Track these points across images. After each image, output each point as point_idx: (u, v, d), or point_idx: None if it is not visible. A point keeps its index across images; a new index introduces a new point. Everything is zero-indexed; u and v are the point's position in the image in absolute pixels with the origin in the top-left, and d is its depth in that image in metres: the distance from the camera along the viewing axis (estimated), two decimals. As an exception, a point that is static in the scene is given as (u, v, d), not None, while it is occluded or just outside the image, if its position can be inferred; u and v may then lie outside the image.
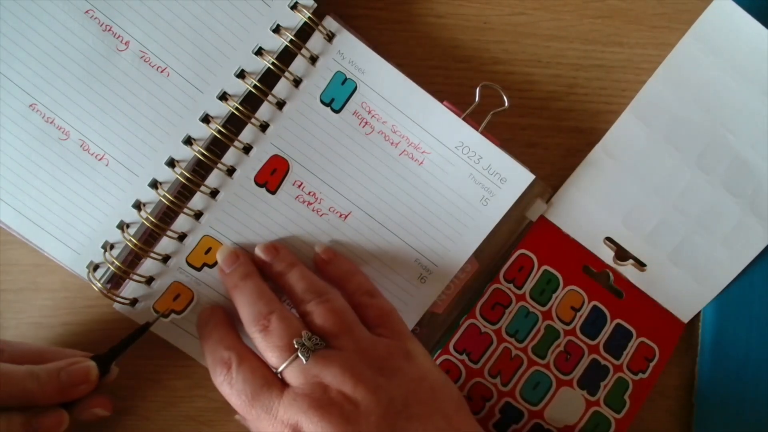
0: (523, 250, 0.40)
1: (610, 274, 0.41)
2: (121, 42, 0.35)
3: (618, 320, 0.41)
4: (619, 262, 0.41)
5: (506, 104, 0.37)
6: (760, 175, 0.40)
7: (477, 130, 0.37)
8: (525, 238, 0.40)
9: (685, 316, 0.41)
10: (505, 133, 0.39)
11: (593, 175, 0.40)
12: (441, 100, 0.37)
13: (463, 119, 0.37)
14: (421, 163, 0.37)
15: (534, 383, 0.40)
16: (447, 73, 0.39)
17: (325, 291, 0.34)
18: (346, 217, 0.38)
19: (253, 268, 0.35)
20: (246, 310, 0.33)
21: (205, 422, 0.40)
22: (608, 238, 0.40)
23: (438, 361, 0.40)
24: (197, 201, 0.36)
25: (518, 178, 0.37)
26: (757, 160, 0.40)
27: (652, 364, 0.41)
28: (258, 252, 0.36)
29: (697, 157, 0.40)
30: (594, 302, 0.41)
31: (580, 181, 0.40)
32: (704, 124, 0.40)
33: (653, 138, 0.40)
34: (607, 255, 0.41)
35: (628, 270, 0.41)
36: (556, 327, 0.40)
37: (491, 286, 0.40)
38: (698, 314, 0.42)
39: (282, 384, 0.32)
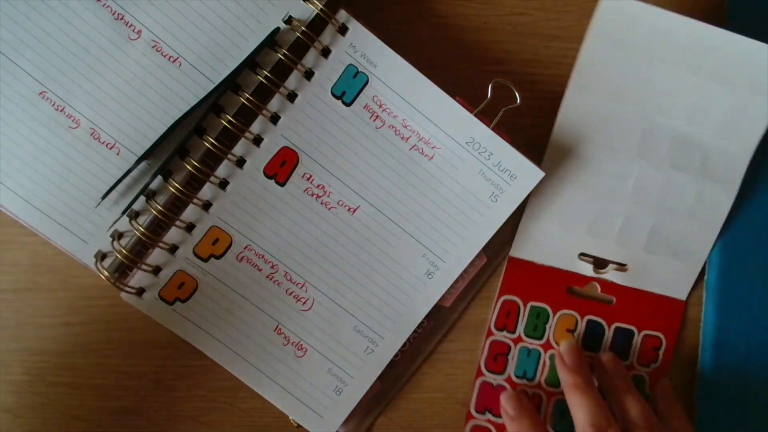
0: (505, 296, 0.40)
1: (597, 284, 0.41)
2: (133, 31, 0.35)
3: (615, 324, 0.41)
4: (600, 271, 0.41)
5: (518, 101, 0.37)
6: (702, 143, 0.39)
7: (488, 126, 0.37)
8: (503, 285, 0.40)
9: (682, 294, 0.41)
10: (505, 133, 0.39)
11: (544, 200, 0.40)
12: (453, 96, 0.37)
13: (475, 115, 0.37)
14: (432, 158, 0.37)
15: (560, 413, 0.40)
16: (447, 73, 0.39)
17: (656, 425, 0.37)
18: (355, 210, 0.37)
19: (591, 376, 0.39)
20: (586, 414, 0.36)
21: (205, 422, 0.40)
22: (582, 254, 0.40)
23: (467, 428, 0.41)
24: (206, 191, 0.36)
25: (528, 175, 0.37)
26: (694, 130, 0.39)
27: (661, 352, 0.41)
28: (604, 358, 0.40)
29: (636, 149, 0.39)
30: (587, 317, 0.41)
31: (534, 210, 0.40)
32: (633, 116, 0.39)
33: (588, 146, 0.39)
34: (587, 269, 0.41)
35: (611, 275, 0.41)
36: None
37: (487, 340, 0.40)
38: (701, 314, 0.42)
39: None
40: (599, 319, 0.41)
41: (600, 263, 0.41)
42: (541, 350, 0.41)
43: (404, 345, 0.39)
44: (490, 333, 0.40)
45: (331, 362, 0.38)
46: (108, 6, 0.35)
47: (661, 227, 0.40)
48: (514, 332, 0.40)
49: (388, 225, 0.38)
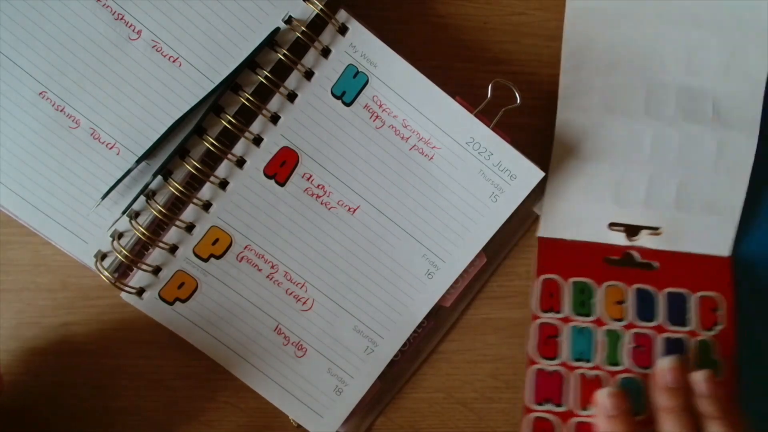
0: (544, 276, 0.40)
1: (633, 253, 0.40)
2: (133, 31, 0.35)
3: (665, 290, 0.40)
4: (633, 238, 0.40)
5: (518, 101, 0.37)
6: (708, 92, 0.39)
7: (488, 126, 0.37)
8: (539, 264, 0.40)
9: (725, 250, 0.40)
10: (505, 133, 0.39)
11: (563, 178, 0.39)
12: (453, 96, 0.37)
13: (475, 115, 0.37)
14: (431, 158, 0.37)
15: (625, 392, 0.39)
16: (448, 73, 0.39)
17: None
18: (355, 210, 0.37)
19: (690, 401, 0.36)
20: None
21: (205, 422, 0.40)
22: (612, 223, 0.40)
23: (526, 421, 0.39)
24: (206, 191, 0.36)
25: (528, 175, 0.37)
26: (696, 81, 0.39)
27: (721, 313, 0.40)
28: (698, 377, 0.36)
29: (643, 110, 0.39)
30: (634, 286, 0.40)
31: (555, 189, 0.39)
32: (632, 79, 0.39)
33: (595, 118, 0.39)
34: (620, 238, 0.40)
35: (647, 241, 0.40)
36: (613, 328, 0.39)
37: (534, 323, 0.39)
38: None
39: None
40: (648, 287, 0.40)
41: (632, 230, 0.40)
42: (594, 327, 0.39)
43: (404, 345, 0.39)
44: (535, 317, 0.39)
45: (331, 362, 0.38)
46: (108, 6, 0.35)
47: (688, 183, 0.39)
48: (560, 312, 0.39)
49: (388, 225, 0.38)
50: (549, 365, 0.39)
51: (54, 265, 0.38)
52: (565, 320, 0.39)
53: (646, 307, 0.40)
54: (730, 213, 0.40)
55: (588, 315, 0.39)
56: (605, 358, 0.39)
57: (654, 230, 0.40)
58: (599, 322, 0.40)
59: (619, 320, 0.40)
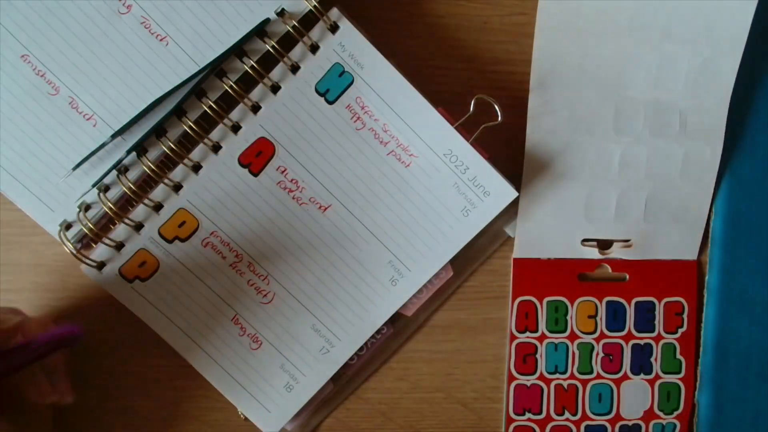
0: (520, 298, 0.41)
1: (607, 265, 0.41)
2: (123, 5, 0.35)
3: (635, 299, 0.41)
4: (605, 251, 0.41)
5: (500, 119, 0.37)
6: (676, 106, 0.39)
7: (468, 140, 0.37)
8: (514, 287, 0.40)
9: (692, 254, 0.41)
10: (505, 133, 0.38)
11: (535, 200, 0.40)
12: (438, 104, 0.37)
13: (456, 128, 0.37)
14: (408, 165, 0.37)
15: (596, 397, 0.41)
16: (447, 73, 0.39)
17: None
18: (326, 209, 0.37)
19: None
20: None
21: (206, 422, 0.40)
22: (585, 240, 0.41)
23: (509, 431, 0.42)
24: (178, 173, 0.36)
25: (502, 193, 0.37)
26: (664, 95, 0.39)
27: (685, 316, 0.42)
28: None
29: (612, 127, 0.39)
30: (605, 299, 0.41)
31: (527, 212, 0.40)
32: (600, 96, 0.39)
33: (563, 138, 0.39)
34: (592, 252, 0.41)
35: (619, 252, 0.41)
36: (586, 341, 0.41)
37: (512, 344, 0.41)
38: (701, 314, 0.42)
39: None
40: (618, 299, 0.41)
41: (604, 244, 0.41)
42: (568, 342, 0.41)
43: (361, 349, 0.39)
44: (513, 337, 0.41)
45: (284, 358, 0.38)
46: (101, -23, 0.35)
47: (657, 196, 0.40)
48: (536, 331, 0.41)
49: (358, 227, 0.38)
50: (527, 380, 0.41)
51: (54, 265, 0.38)
52: (541, 338, 0.41)
53: (616, 319, 0.41)
54: (696, 219, 0.41)
55: (563, 331, 0.41)
56: (577, 368, 0.41)
57: (625, 242, 0.41)
58: (573, 337, 0.41)
59: (591, 333, 0.41)
